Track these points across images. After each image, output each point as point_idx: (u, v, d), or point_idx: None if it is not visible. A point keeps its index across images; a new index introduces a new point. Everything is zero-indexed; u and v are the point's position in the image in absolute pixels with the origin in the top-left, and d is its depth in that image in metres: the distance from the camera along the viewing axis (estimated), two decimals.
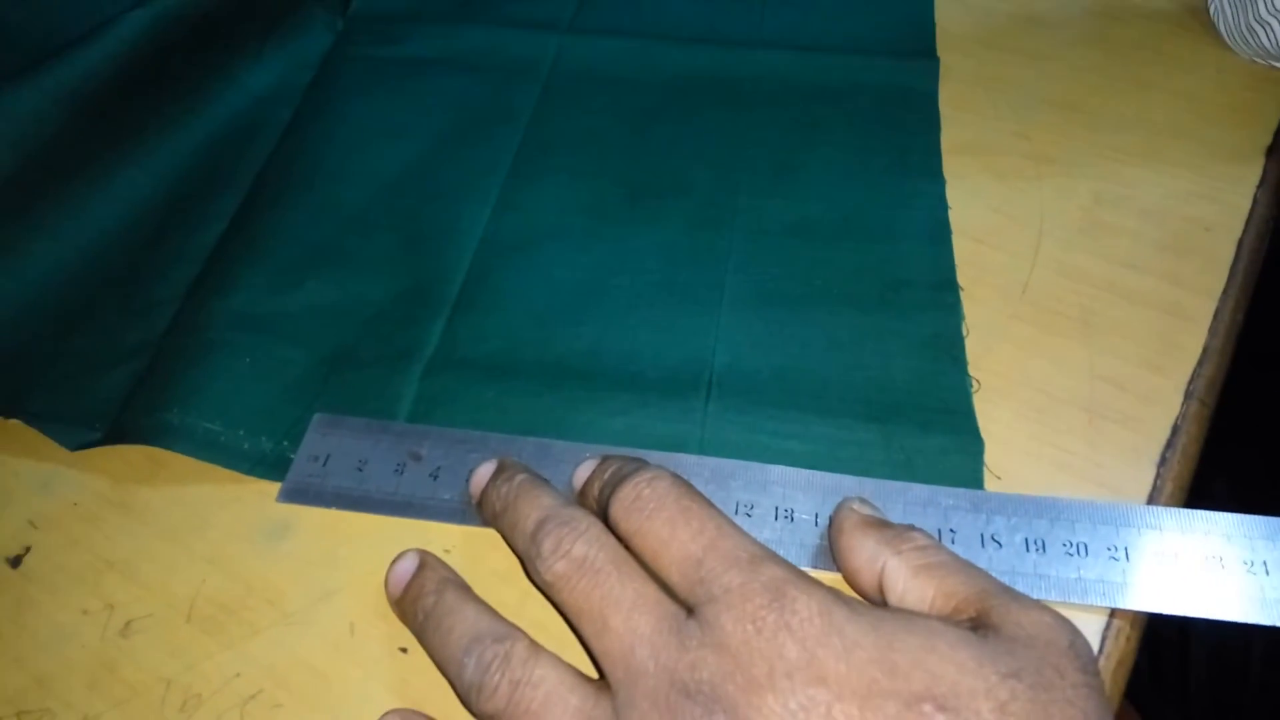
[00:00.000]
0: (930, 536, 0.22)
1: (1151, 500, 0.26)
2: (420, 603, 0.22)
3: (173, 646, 0.23)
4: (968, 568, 0.21)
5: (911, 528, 0.22)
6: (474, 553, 0.24)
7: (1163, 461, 0.26)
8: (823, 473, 0.25)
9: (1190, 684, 0.42)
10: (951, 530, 0.24)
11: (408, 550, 0.24)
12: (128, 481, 0.26)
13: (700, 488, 0.22)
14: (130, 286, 0.30)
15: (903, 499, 0.25)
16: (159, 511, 0.26)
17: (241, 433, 0.26)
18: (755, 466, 0.26)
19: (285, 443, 0.26)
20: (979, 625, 0.19)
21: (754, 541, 0.21)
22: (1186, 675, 0.42)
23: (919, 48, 0.36)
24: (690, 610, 0.20)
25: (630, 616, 0.20)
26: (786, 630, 0.18)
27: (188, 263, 0.31)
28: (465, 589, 0.23)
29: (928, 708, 0.17)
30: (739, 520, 0.24)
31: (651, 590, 0.20)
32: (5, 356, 0.29)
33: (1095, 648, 0.23)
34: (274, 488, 0.26)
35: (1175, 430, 0.27)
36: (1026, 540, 0.24)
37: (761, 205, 0.32)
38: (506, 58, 0.36)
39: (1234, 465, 0.43)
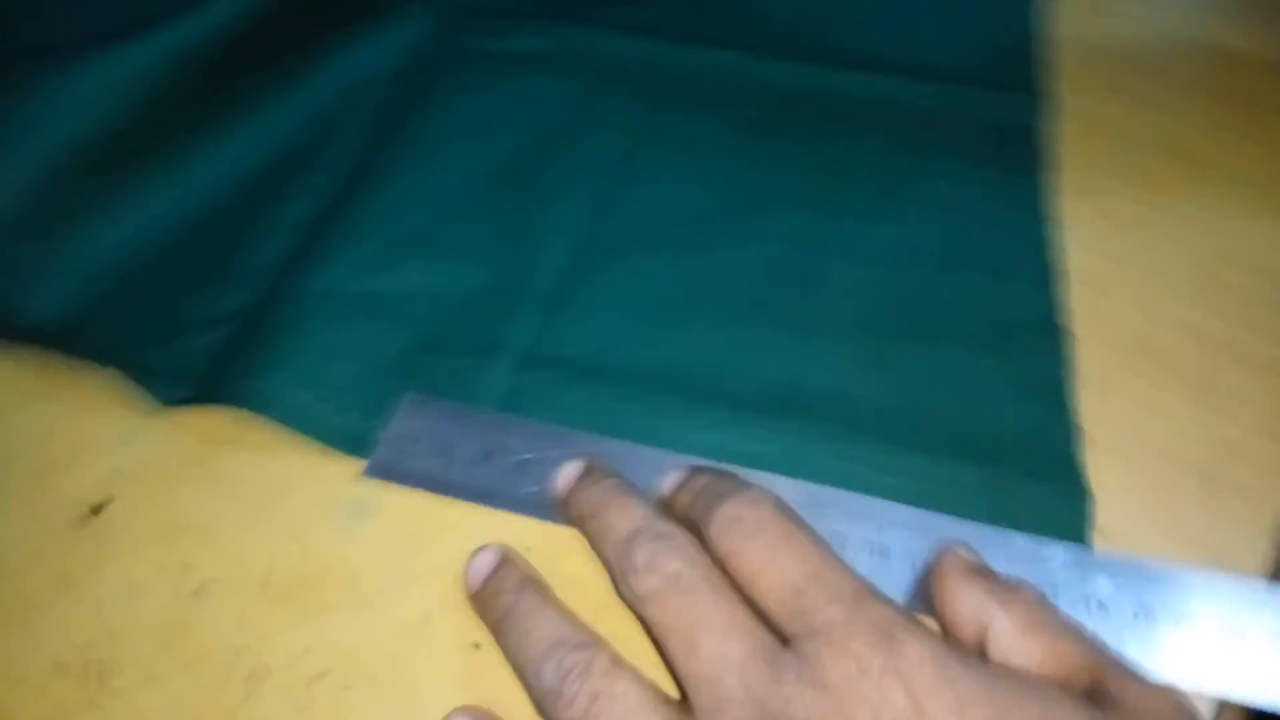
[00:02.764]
0: (1040, 593, 0.20)
1: (1272, 577, 0.24)
2: (499, 599, 0.22)
3: (244, 614, 0.23)
4: (1081, 632, 0.20)
5: (1021, 582, 0.21)
6: (554, 554, 0.24)
7: None
8: (922, 510, 0.24)
9: None
10: (1054, 589, 0.23)
11: (488, 545, 0.23)
12: (213, 443, 0.26)
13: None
14: (222, 252, 0.30)
15: (1004, 549, 0.23)
16: (241, 476, 0.25)
17: (331, 405, 0.26)
18: (849, 496, 0.25)
19: (373, 421, 0.26)
20: (1094, 697, 0.18)
21: (860, 577, 0.20)
22: None
23: (1029, 84, 0.35)
24: (786, 641, 0.19)
25: (723, 640, 0.19)
26: (894, 675, 0.17)
27: (281, 235, 0.31)
28: (546, 591, 0.22)
29: None
30: None
31: (745, 615, 0.19)
32: (105, 307, 0.28)
33: None
34: (357, 465, 0.25)
35: None
36: (1135, 609, 0.22)
37: (865, 230, 0.31)
38: (610, 60, 0.36)
39: None
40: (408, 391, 0.26)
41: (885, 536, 0.24)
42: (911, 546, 0.23)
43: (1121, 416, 0.27)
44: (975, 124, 0.34)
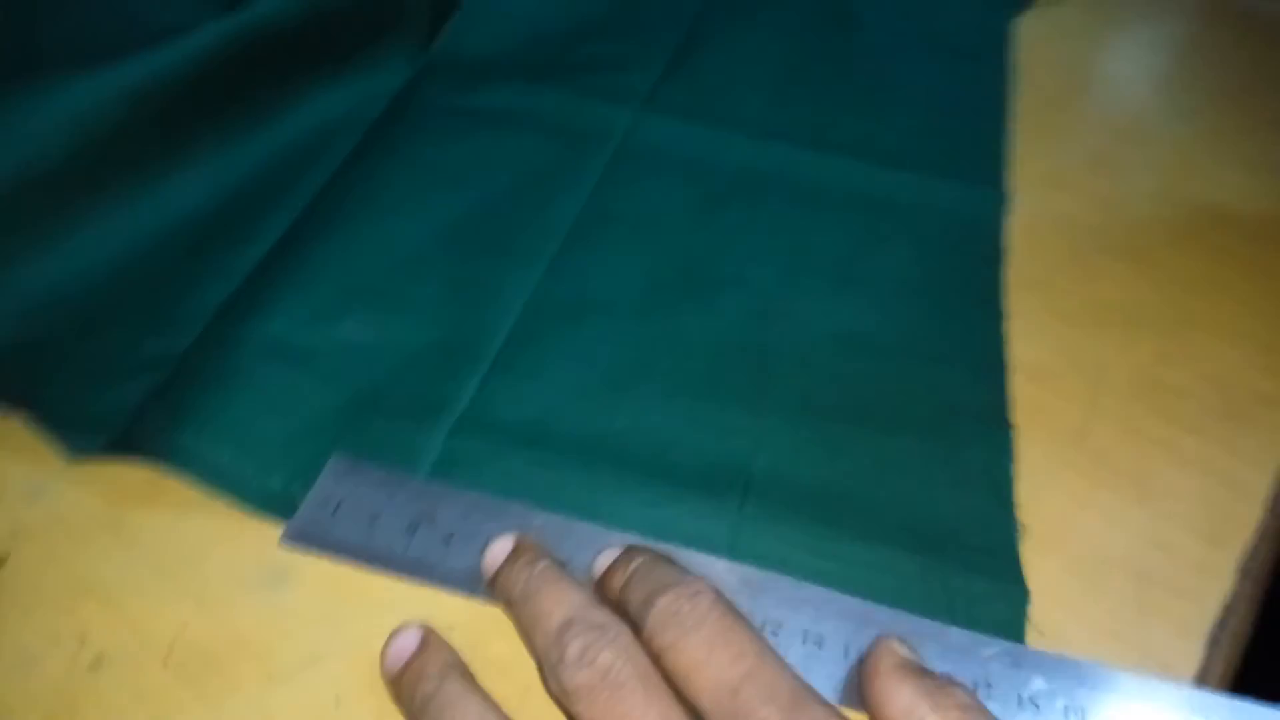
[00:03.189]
0: (973, 694, 0.20)
1: (1200, 681, 0.24)
2: (420, 687, 0.21)
3: (143, 691, 0.21)
4: None
5: (954, 681, 0.20)
6: (480, 634, 0.23)
7: (1214, 641, 0.25)
8: (858, 600, 0.24)
9: None
10: (988, 684, 0.22)
11: (410, 623, 0.22)
12: (123, 502, 0.25)
13: (728, 595, 0.21)
14: (163, 296, 0.29)
15: (940, 642, 0.23)
16: (152, 540, 0.24)
17: (253, 465, 0.25)
18: (787, 582, 0.24)
19: (297, 483, 0.25)
20: None
21: (796, 676, 0.19)
22: None
23: (989, 178, 0.36)
24: None
25: None
26: None
27: (225, 280, 0.30)
28: (469, 678, 0.21)
29: None
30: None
31: (678, 715, 0.19)
32: (16, 350, 0.27)
33: None
34: (277, 531, 0.24)
35: (1228, 609, 0.25)
36: (1066, 707, 0.22)
37: (817, 311, 0.31)
38: (579, 124, 0.36)
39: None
40: (335, 453, 0.25)
41: (821, 625, 0.23)
42: (847, 636, 0.23)
43: (1058, 511, 0.27)
44: (936, 213, 0.34)
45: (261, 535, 0.24)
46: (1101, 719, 0.22)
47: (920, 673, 0.20)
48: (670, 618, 0.20)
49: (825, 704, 0.18)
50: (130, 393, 0.26)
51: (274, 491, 0.25)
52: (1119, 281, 0.33)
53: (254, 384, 0.27)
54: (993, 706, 0.22)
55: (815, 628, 0.23)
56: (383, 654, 0.22)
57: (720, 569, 0.24)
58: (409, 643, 0.21)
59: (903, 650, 0.21)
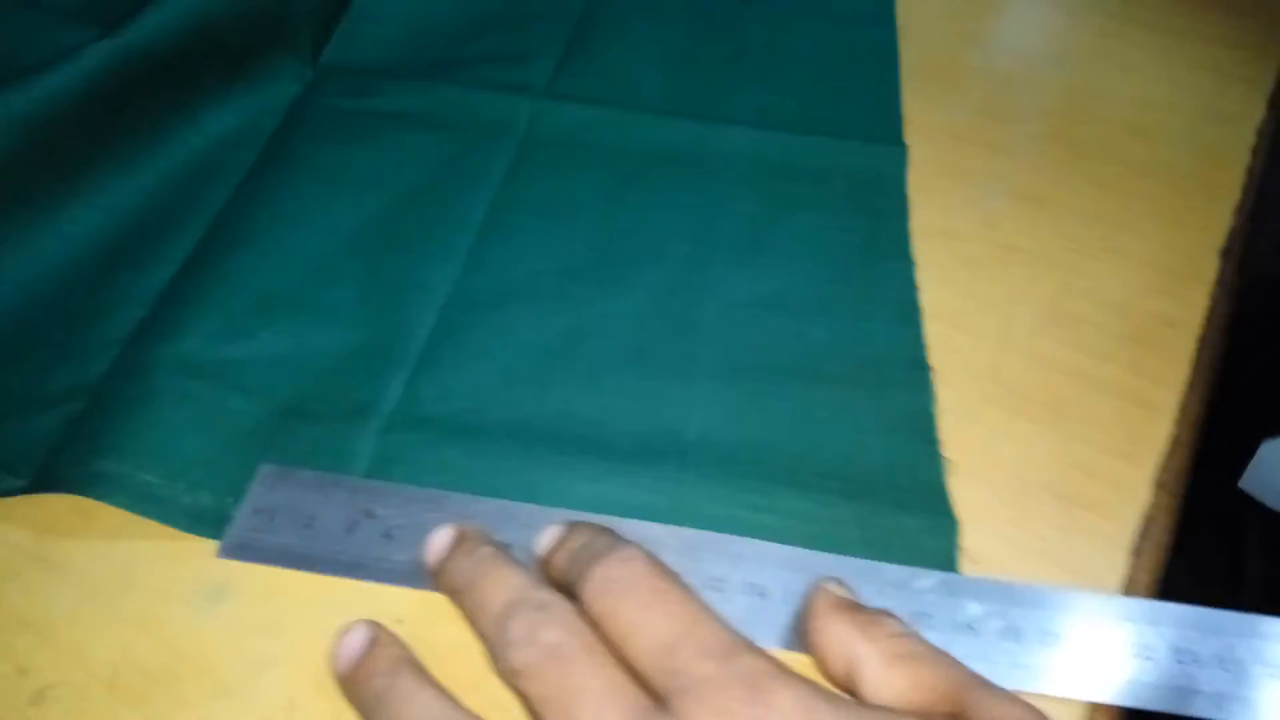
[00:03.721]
0: (905, 624, 0.21)
1: (1126, 591, 0.25)
2: (371, 685, 0.21)
3: (89, 718, 0.21)
4: (943, 658, 0.20)
5: (886, 613, 0.21)
6: (428, 624, 0.23)
7: (1136, 552, 0.26)
8: (796, 548, 0.24)
9: None
10: (927, 615, 0.23)
11: (358, 622, 0.22)
12: (51, 534, 0.24)
13: (670, 560, 0.21)
14: (70, 326, 0.28)
15: (876, 580, 0.24)
16: (84, 568, 0.24)
17: (181, 486, 0.25)
18: (726, 539, 0.25)
19: (229, 499, 0.24)
20: None
21: (731, 630, 0.19)
22: None
23: (887, 135, 0.37)
24: (661, 701, 0.18)
25: (598, 708, 0.18)
26: None
27: (134, 305, 0.29)
28: (421, 671, 0.21)
29: None
30: (708, 595, 0.23)
31: (622, 680, 0.19)
32: None
33: None
34: (213, 547, 0.24)
35: (1147, 520, 0.27)
36: (1003, 628, 0.23)
37: (735, 277, 0.32)
38: (481, 118, 0.36)
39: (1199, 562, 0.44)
40: (262, 463, 0.25)
41: (763, 577, 0.24)
42: (789, 585, 0.24)
43: (980, 444, 0.28)
44: (840, 173, 0.35)
45: (197, 552, 0.24)
46: (1036, 634, 0.23)
47: (854, 608, 0.21)
48: (605, 586, 0.20)
49: (759, 652, 0.19)
50: (44, 427, 0.26)
51: (206, 509, 0.24)
52: (1019, 223, 0.34)
53: (174, 404, 0.26)
54: (932, 635, 0.22)
55: (757, 580, 0.24)
56: (332, 654, 0.22)
57: (661, 534, 0.24)
58: (358, 641, 0.21)
59: (838, 590, 0.22)
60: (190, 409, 0.26)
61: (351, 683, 0.21)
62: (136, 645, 0.22)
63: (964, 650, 0.22)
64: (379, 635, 0.22)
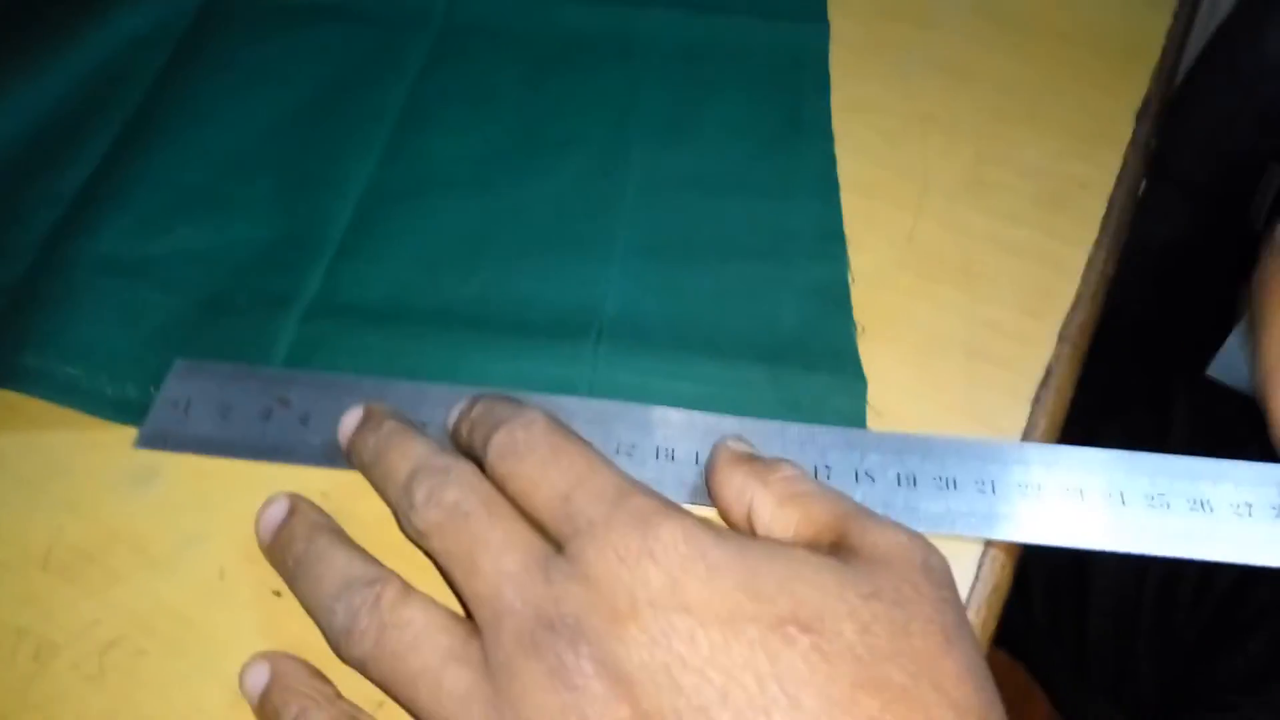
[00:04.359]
0: (798, 468, 0.22)
1: (1026, 437, 0.26)
2: (291, 549, 0.22)
3: (26, 595, 0.22)
4: (830, 495, 0.21)
5: (780, 460, 0.22)
6: (349, 497, 0.24)
7: (1037, 400, 0.27)
8: (704, 413, 0.25)
9: (1089, 637, 0.43)
10: (828, 467, 0.24)
11: (279, 494, 0.23)
12: None
13: (582, 430, 0.22)
14: None
15: (781, 438, 0.25)
16: (13, 458, 0.24)
17: (105, 377, 0.25)
18: (637, 408, 0.25)
19: (153, 388, 0.25)
20: (839, 549, 0.20)
21: (625, 476, 0.20)
22: (1084, 628, 0.43)
23: (810, 12, 0.37)
24: (560, 548, 0.20)
25: (499, 557, 0.19)
26: (649, 557, 0.18)
27: (51, 206, 0.29)
28: (337, 533, 0.22)
29: (792, 630, 0.17)
30: (619, 460, 0.24)
31: (522, 530, 0.20)
32: None
33: (971, 575, 0.24)
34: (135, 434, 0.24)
35: (1049, 371, 0.28)
36: (899, 475, 0.24)
37: (655, 159, 0.32)
38: (395, 8, 0.35)
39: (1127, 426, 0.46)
40: (178, 359, 0.26)
41: (672, 441, 0.25)
42: (697, 446, 0.25)
43: (893, 307, 0.28)
44: (764, 52, 0.35)
45: (122, 440, 0.24)
46: (930, 479, 0.24)
47: (751, 459, 0.22)
48: (506, 448, 0.21)
49: (650, 493, 0.20)
50: None
51: (130, 399, 0.25)
52: (938, 94, 0.35)
53: (94, 299, 0.27)
54: (832, 484, 0.24)
55: (666, 444, 0.25)
56: (255, 526, 0.23)
57: (571, 405, 0.25)
58: (278, 512, 0.22)
59: (738, 446, 0.23)
60: (111, 304, 0.27)
61: (273, 550, 0.22)
62: (68, 526, 0.23)
63: (863, 498, 0.23)
64: (298, 505, 0.23)
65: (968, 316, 0.29)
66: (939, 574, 0.19)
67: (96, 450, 0.24)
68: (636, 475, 0.21)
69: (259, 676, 0.20)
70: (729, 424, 0.25)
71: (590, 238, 0.30)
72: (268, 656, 0.21)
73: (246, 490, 0.24)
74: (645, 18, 0.36)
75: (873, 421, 0.26)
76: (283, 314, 0.27)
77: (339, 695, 0.20)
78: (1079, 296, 0.29)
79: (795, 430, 0.25)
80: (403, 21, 0.35)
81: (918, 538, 0.20)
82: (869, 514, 0.20)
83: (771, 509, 0.21)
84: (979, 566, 0.24)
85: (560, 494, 0.20)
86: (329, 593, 0.20)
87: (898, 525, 0.20)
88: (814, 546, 0.20)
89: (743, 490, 0.21)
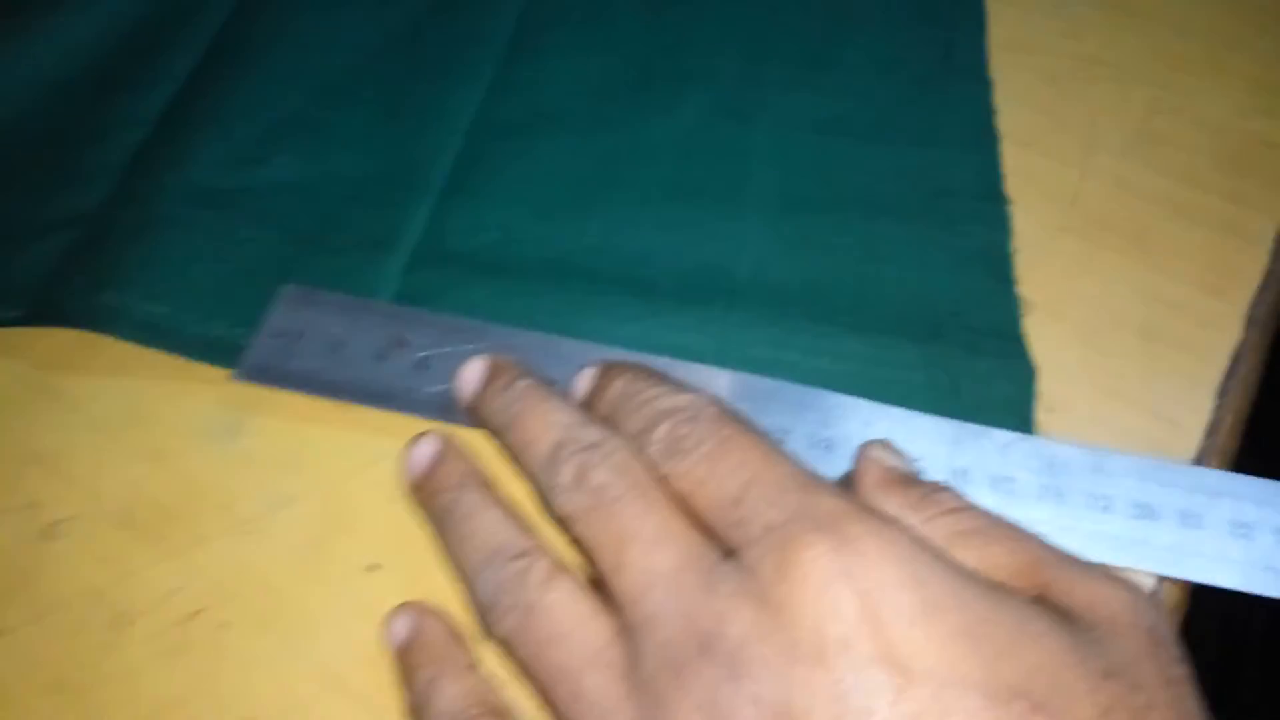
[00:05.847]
0: (962, 497, 0.18)
1: (1211, 435, 0.23)
2: (439, 499, 0.20)
3: (104, 554, 0.20)
4: (1010, 532, 0.17)
5: (940, 486, 0.18)
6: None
7: (1223, 393, 0.24)
8: (867, 401, 0.22)
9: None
10: (1011, 479, 0.21)
11: (427, 433, 0.21)
12: (54, 367, 0.23)
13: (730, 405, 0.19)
14: (67, 148, 0.26)
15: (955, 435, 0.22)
16: (92, 401, 0.22)
17: (191, 317, 0.23)
18: (793, 387, 0.22)
19: (241, 329, 0.23)
20: (1041, 604, 0.16)
21: (804, 472, 0.17)
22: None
23: None
24: (730, 554, 0.16)
25: (649, 551, 0.16)
26: (845, 579, 0.15)
27: (135, 126, 0.27)
28: (486, 487, 0.20)
29: (1022, 707, 0.14)
30: None
31: (680, 524, 0.17)
32: None
33: None
34: (223, 380, 0.22)
35: (1236, 359, 0.24)
36: (1089, 495, 0.21)
37: (790, 99, 0.29)
38: None
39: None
40: (286, 285, 0.23)
41: (830, 430, 0.22)
42: (857, 438, 0.21)
43: (1057, 279, 0.25)
44: None
45: (209, 386, 0.22)
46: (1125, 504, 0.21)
47: (904, 483, 0.19)
48: (671, 446, 0.18)
49: (837, 490, 0.17)
50: (43, 255, 0.24)
51: (218, 338, 0.23)
52: (1104, 34, 0.31)
53: (180, 233, 0.24)
54: (1011, 501, 0.20)
55: (824, 432, 0.22)
56: (402, 464, 0.21)
57: (718, 378, 0.22)
58: (427, 452, 0.20)
59: (886, 459, 0.19)
60: (198, 237, 0.24)
61: (420, 493, 0.20)
62: (149, 480, 0.21)
63: (1046, 516, 0.20)
64: (448, 449, 0.20)
65: (1142, 292, 0.25)
66: (1170, 646, 0.16)
67: (181, 397, 0.22)
68: None
69: (402, 629, 0.19)
70: (894, 415, 0.22)
71: (719, 187, 0.27)
72: (414, 608, 0.19)
73: (342, 449, 0.21)
74: None
75: (1040, 409, 0.23)
76: (385, 258, 0.25)
77: (472, 666, 0.18)
78: (1269, 273, 0.26)
79: (971, 429, 0.22)
80: None
81: (1139, 593, 0.16)
82: (1068, 559, 0.17)
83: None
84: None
85: (730, 496, 0.17)
86: (476, 559, 0.18)
87: (1110, 575, 0.16)
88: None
89: (898, 523, 0.18)
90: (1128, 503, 0.21)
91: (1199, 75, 0.30)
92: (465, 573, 0.18)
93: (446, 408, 0.22)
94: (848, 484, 0.20)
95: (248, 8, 0.30)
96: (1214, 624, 0.39)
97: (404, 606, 0.19)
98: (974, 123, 0.28)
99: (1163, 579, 0.21)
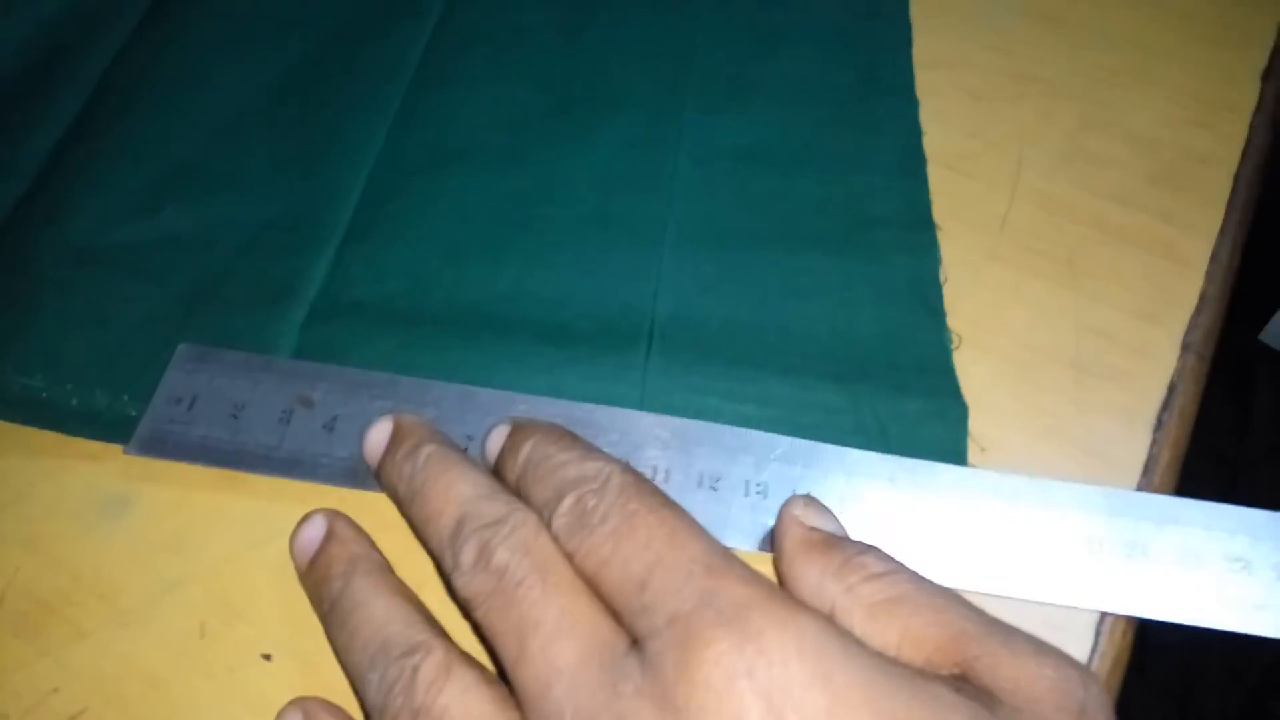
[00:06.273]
0: (888, 559, 0.17)
1: (1148, 470, 0.22)
2: (326, 588, 0.18)
3: None
4: (936, 599, 0.17)
5: (864, 547, 0.18)
6: (373, 529, 0.20)
7: (1158, 425, 0.23)
8: (805, 441, 0.21)
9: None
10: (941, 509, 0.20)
11: (315, 512, 0.19)
12: None
13: (655, 454, 0.19)
14: None
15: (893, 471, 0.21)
16: None
17: (70, 387, 0.21)
18: (725, 430, 0.21)
19: (125, 397, 0.21)
20: (964, 684, 0.15)
21: (716, 548, 0.16)
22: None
23: None
24: (635, 642, 0.15)
25: (551, 642, 0.16)
26: (748, 678, 0.14)
27: (13, 180, 0.25)
28: (378, 572, 0.18)
29: None
30: (703, 496, 0.20)
31: (585, 609, 0.16)
32: None
33: (1088, 647, 0.20)
34: (108, 457, 0.21)
35: (1171, 388, 0.24)
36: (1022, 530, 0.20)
37: (711, 125, 0.27)
38: None
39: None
40: (182, 344, 0.22)
41: (764, 474, 0.21)
42: (793, 483, 0.21)
43: (986, 309, 0.24)
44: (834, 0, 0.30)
45: (89, 462, 0.21)
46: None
47: (825, 546, 0.18)
48: (576, 521, 0.17)
49: (752, 575, 0.16)
50: None
51: (100, 410, 0.21)
52: (1033, 48, 0.30)
53: (59, 297, 0.23)
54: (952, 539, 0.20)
55: (758, 477, 0.21)
56: (290, 549, 0.19)
57: (649, 424, 0.21)
58: (313, 534, 0.19)
59: (806, 517, 0.18)
60: (76, 301, 0.23)
61: (308, 582, 0.19)
62: (26, 568, 0.20)
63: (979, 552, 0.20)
64: (336, 528, 0.19)
65: (1074, 321, 0.24)
66: None
67: (59, 476, 0.21)
68: (722, 515, 0.17)
69: None
70: (831, 455, 0.21)
71: (638, 222, 0.26)
72: (308, 704, 0.18)
73: (232, 526, 0.20)
74: None
75: (972, 448, 0.22)
76: (283, 312, 0.23)
77: None
78: (1203, 296, 0.25)
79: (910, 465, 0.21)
80: None
81: (1069, 667, 0.15)
82: (994, 629, 0.16)
83: (861, 622, 0.16)
84: (1096, 636, 0.20)
85: (636, 579, 0.16)
86: (364, 657, 0.17)
87: (1039, 648, 0.16)
88: (951, 686, 0.15)
89: (818, 592, 0.17)
90: (1075, 536, 0.20)
91: (1128, 88, 0.29)
92: (354, 675, 0.17)
93: (357, 473, 0.21)
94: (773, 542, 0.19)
95: (134, 49, 0.28)
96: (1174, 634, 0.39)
97: (296, 702, 0.18)
98: (901, 145, 0.27)
99: (1103, 617, 0.20)
